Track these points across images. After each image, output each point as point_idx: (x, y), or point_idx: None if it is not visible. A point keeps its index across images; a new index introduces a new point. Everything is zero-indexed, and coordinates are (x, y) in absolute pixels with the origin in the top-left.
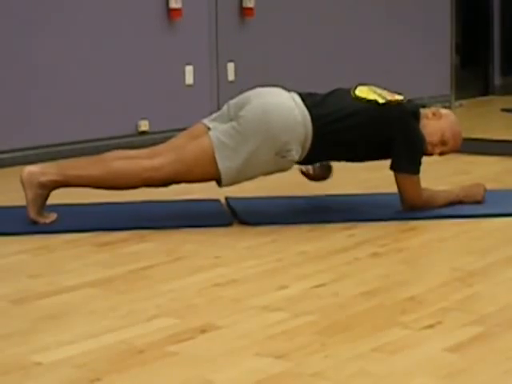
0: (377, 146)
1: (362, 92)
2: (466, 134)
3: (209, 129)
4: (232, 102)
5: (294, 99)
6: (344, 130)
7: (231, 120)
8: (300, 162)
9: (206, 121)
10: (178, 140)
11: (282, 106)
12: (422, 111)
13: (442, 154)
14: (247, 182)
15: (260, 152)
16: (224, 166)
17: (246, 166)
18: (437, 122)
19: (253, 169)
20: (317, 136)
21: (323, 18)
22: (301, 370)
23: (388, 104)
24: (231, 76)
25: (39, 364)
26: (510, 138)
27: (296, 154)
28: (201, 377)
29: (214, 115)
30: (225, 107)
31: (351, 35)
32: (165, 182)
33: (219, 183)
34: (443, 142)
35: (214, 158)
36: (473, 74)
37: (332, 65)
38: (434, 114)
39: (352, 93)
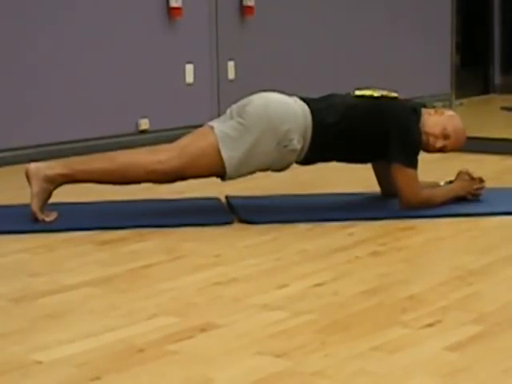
0: (374, 140)
1: (360, 91)
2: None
3: (212, 127)
4: (234, 105)
5: (293, 99)
6: (342, 121)
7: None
8: (300, 162)
9: (209, 123)
10: (183, 140)
11: (282, 101)
12: (424, 110)
13: (443, 149)
14: (247, 180)
15: (262, 142)
16: (228, 155)
17: (249, 155)
18: (439, 117)
19: (256, 159)
20: (316, 128)
21: (323, 18)
22: (301, 368)
23: (383, 97)
24: (231, 75)
25: (39, 363)
26: (509, 137)
27: (298, 143)
28: (201, 375)
29: (218, 119)
30: (228, 111)
31: (351, 34)
32: (169, 177)
33: (223, 177)
34: (445, 136)
35: (219, 150)
36: (473, 73)
37: (332, 64)
38: (436, 112)
39: (351, 93)
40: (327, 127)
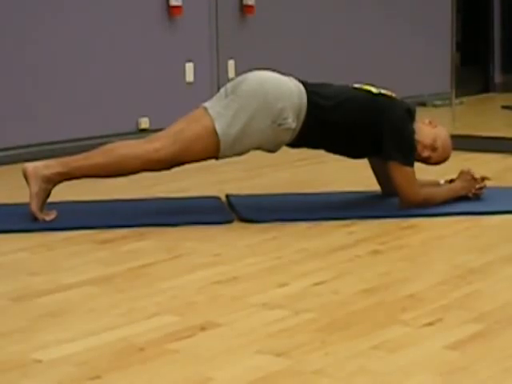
0: (367, 135)
1: (359, 85)
2: (466, 132)
3: (206, 109)
4: (229, 84)
5: (289, 78)
6: (337, 108)
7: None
8: (292, 144)
9: (203, 104)
10: (178, 125)
11: (276, 78)
12: (418, 117)
13: (427, 160)
14: (248, 179)
15: (257, 119)
16: (223, 132)
17: (244, 133)
18: (431, 129)
19: (250, 137)
20: (311, 109)
21: (323, 17)
22: (301, 367)
23: (381, 95)
24: (231, 73)
25: (39, 362)
26: (510, 136)
27: (292, 121)
28: (201, 374)
29: (212, 99)
30: (222, 90)
31: (351, 34)
32: (166, 164)
33: (217, 156)
34: (433, 148)
35: (213, 132)
36: (473, 72)
37: (332, 63)
38: (430, 123)
39: (349, 85)
40: (321, 110)
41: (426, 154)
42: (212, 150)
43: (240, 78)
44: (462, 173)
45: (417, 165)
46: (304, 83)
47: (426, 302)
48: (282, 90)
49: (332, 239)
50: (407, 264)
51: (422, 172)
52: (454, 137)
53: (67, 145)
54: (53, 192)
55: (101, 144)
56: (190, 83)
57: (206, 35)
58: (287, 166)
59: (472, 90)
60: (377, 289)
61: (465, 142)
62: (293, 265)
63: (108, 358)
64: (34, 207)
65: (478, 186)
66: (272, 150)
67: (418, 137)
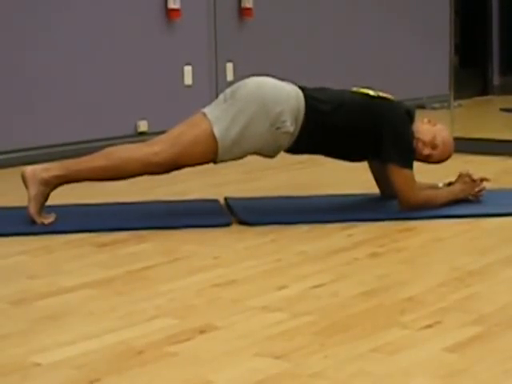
0: (366, 138)
1: (356, 89)
2: (465, 134)
3: (205, 114)
4: (228, 89)
5: (287, 83)
6: (336, 111)
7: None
8: (291, 150)
9: (202, 109)
10: (177, 129)
11: (274, 83)
12: (418, 117)
13: (428, 158)
14: (246, 182)
15: (255, 123)
16: (221, 135)
17: (242, 136)
18: (431, 127)
19: (248, 140)
20: (309, 112)
21: (323, 18)
22: (300, 370)
23: (379, 98)
24: (230, 76)
25: (38, 365)
26: (508, 138)
27: (291, 125)
28: (200, 377)
29: (210, 105)
30: (221, 96)
31: (350, 35)
32: (165, 167)
33: (215, 159)
34: (433, 145)
35: (212, 136)
36: (472, 74)
37: (331, 65)
38: (429, 121)
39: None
40: (320, 114)
41: (426, 151)
42: (210, 153)
43: (239, 84)
44: (460, 175)
45: (417, 167)
46: (302, 88)
47: (425, 305)
48: (279, 93)
49: (331, 242)
50: (406, 266)
51: (422, 175)
52: (452, 139)
53: (66, 148)
54: (53, 195)
55: (100, 147)
56: (188, 86)
57: (204, 38)
58: (286, 169)
59: (471, 93)
60: (376, 291)
61: (464, 145)
62: (292, 267)
63: (107, 360)
64: (32, 210)
65: (477, 189)
66: (271, 155)
67: (417, 134)
